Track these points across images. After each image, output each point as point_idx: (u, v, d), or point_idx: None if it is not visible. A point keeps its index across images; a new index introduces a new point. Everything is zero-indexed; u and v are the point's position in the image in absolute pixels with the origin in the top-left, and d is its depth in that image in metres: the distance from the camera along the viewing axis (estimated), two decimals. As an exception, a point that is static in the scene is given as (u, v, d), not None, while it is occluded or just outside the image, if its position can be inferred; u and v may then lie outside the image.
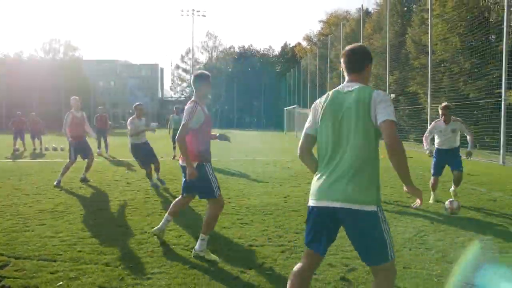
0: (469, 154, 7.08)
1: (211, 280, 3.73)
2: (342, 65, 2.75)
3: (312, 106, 2.78)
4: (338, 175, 2.50)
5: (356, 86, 2.62)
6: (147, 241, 4.85)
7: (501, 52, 19.75)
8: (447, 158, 7.11)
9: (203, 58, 75.36)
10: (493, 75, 20.58)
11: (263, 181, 9.50)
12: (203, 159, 4.44)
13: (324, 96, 2.74)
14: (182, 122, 4.39)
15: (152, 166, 8.69)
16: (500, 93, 18.01)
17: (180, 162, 4.52)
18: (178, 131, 4.41)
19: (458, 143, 7.10)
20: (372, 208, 2.44)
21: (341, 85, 2.73)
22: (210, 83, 4.61)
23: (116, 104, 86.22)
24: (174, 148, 13.83)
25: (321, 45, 57.11)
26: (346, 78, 2.73)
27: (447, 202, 6.37)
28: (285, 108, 45.03)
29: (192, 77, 4.66)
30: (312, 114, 2.74)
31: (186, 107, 4.48)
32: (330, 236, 2.62)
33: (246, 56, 74.13)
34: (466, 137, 7.15)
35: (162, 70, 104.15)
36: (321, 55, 49.45)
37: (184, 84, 76.32)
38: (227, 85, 69.99)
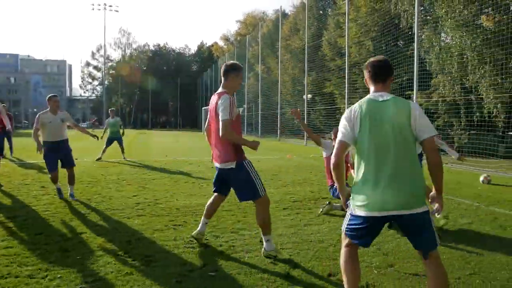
0: None
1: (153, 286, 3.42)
2: (368, 74, 2.85)
3: (346, 114, 2.78)
4: (393, 182, 2.61)
5: (389, 96, 2.74)
6: (73, 248, 4.30)
7: (411, 57, 21.03)
8: None
9: (115, 55, 71.77)
10: (402, 77, 21.78)
11: (189, 181, 8.88)
12: (242, 156, 4.02)
13: (358, 104, 2.77)
14: (224, 118, 3.79)
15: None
16: (410, 94, 19.11)
17: (217, 164, 4.12)
18: (222, 129, 3.80)
19: None
20: (426, 208, 2.64)
21: (373, 94, 2.80)
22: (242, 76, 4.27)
23: (18, 102, 79.05)
24: (104, 151, 13.31)
25: (238, 45, 57.24)
26: (373, 88, 2.82)
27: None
28: (203, 108, 44.26)
29: (223, 67, 4.16)
30: (347, 122, 2.76)
31: (219, 100, 3.88)
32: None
33: (161, 55, 71.88)
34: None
35: (70, 67, 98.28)
36: (239, 55, 49.51)
37: (95, 82, 72.00)
38: (141, 84, 67.17)
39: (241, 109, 36.96)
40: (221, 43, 66.80)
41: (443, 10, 15.46)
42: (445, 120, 18.43)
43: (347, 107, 21.25)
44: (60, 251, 4.17)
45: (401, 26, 21.53)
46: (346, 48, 21.17)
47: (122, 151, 13.50)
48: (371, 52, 24.18)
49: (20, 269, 3.69)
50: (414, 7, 18.98)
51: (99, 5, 58.87)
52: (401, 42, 23.85)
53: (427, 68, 18.83)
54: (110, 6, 59.01)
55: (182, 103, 68.74)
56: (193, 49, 77.23)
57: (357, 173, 2.74)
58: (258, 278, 3.56)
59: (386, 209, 2.57)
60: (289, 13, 47.07)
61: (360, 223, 2.69)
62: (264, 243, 4.08)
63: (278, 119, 31.56)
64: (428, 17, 18.32)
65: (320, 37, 31.95)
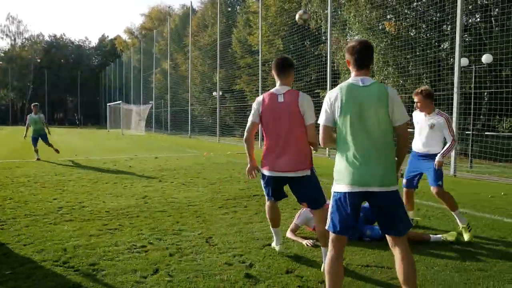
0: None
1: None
2: (351, 58, 2.83)
3: (326, 99, 2.84)
4: (373, 161, 2.72)
5: (371, 81, 2.79)
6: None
7: (319, 57, 22.03)
8: None
9: (3, 44, 64.77)
10: (311, 76, 22.73)
11: (109, 182, 8.30)
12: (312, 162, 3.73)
13: (336, 89, 2.82)
14: (313, 121, 3.51)
15: None
16: (320, 93, 20.04)
17: (281, 173, 3.63)
18: (314, 134, 3.53)
19: None
20: (396, 187, 2.78)
21: (353, 78, 2.82)
22: None
23: None
24: (37, 150, 12.35)
25: (144, 39, 55.27)
26: (355, 72, 2.84)
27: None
28: (108, 104, 41.98)
29: (283, 62, 3.71)
30: (328, 106, 2.82)
31: (302, 100, 3.53)
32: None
33: (58, 47, 66.50)
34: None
35: None
36: (145, 50, 47.87)
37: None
38: (36, 78, 61.53)
39: (148, 106, 35.91)
40: (124, 36, 63.97)
41: (352, 14, 16.35)
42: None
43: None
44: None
45: (310, 27, 22.32)
46: (260, 46, 21.43)
47: (53, 148, 12.61)
48: (280, 51, 24.82)
49: None
50: (322, 10, 19.95)
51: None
52: (307, 42, 24.72)
53: (335, 69, 19.84)
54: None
55: (82, 99, 64.51)
56: (94, 41, 72.89)
57: (338, 155, 2.85)
58: (218, 280, 3.39)
59: (369, 184, 2.68)
60: (197, 8, 46.58)
61: (339, 199, 2.76)
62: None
63: (189, 116, 31.08)
64: (336, 20, 19.23)
65: (229, 34, 32.06)
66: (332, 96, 2.80)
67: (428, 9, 15.65)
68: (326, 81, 20.02)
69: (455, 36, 10.17)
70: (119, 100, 49.76)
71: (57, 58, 65.13)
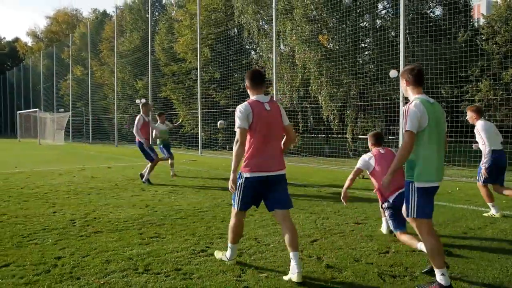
0: None
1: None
2: (413, 78, 3.57)
3: (415, 111, 3.43)
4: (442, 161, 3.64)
5: (430, 98, 3.58)
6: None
7: (248, 65, 22.85)
8: None
9: None
10: (239, 84, 23.45)
11: (92, 193, 8.10)
12: None
13: (420, 104, 3.45)
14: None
15: None
16: (245, 100, 20.81)
17: (268, 173, 3.90)
18: (294, 134, 4.21)
19: None
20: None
21: (421, 96, 3.54)
22: None
23: None
24: None
25: (49, 43, 51.79)
26: (415, 90, 3.60)
27: None
28: (19, 112, 38.70)
29: (261, 75, 4.07)
30: (417, 117, 3.40)
31: (280, 107, 4.02)
32: None
33: None
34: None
35: None
36: (52, 55, 44.90)
37: None
38: None
39: (67, 114, 33.89)
40: (27, 39, 59.31)
41: (289, 27, 17.35)
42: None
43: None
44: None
45: (244, 36, 22.97)
46: (198, 53, 21.62)
47: None
48: (208, 59, 25.13)
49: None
50: (255, 21, 20.78)
51: None
52: (231, 50, 25.31)
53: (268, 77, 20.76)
54: None
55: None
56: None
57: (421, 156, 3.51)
58: (311, 271, 3.82)
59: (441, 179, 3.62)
60: (112, 13, 44.97)
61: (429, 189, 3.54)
62: (298, 265, 3.69)
63: (115, 124, 30.01)
64: (268, 31, 20.15)
65: (147, 41, 31.58)
66: (420, 110, 3.41)
67: (355, 24, 17.26)
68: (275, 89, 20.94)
69: (399, 48, 11.52)
70: (24, 107, 46.03)
71: None
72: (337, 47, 17.01)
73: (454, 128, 13.20)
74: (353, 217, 6.10)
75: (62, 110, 37.80)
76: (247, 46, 26.24)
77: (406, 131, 3.39)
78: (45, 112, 33.18)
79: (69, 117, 32.68)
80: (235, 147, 3.80)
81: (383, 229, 5.23)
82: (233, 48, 25.08)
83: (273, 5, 15.96)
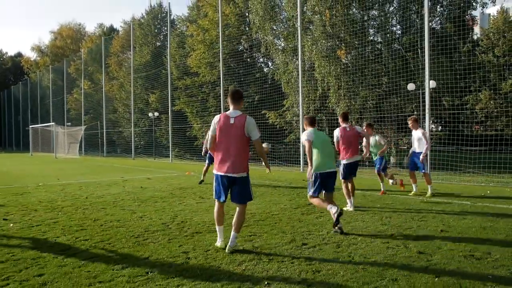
0: None
1: None
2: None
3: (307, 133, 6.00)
4: None
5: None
6: None
7: (259, 79, 23.64)
8: None
9: None
10: (253, 97, 24.23)
11: (148, 200, 8.67)
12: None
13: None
14: (259, 136, 4.95)
15: None
16: (264, 113, 21.61)
17: (228, 173, 4.92)
18: (259, 145, 4.99)
19: None
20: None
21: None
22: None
23: None
24: None
25: (54, 57, 52.49)
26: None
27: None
28: (31, 127, 39.16)
29: (237, 93, 5.03)
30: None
31: (248, 121, 4.85)
32: None
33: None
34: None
35: None
36: (59, 70, 45.54)
37: None
38: None
39: (81, 128, 34.44)
40: (32, 54, 60.03)
41: (308, 43, 18.19)
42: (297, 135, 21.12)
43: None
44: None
45: (260, 51, 23.76)
46: (221, 66, 22.32)
47: None
48: (223, 73, 25.84)
49: None
50: (272, 37, 21.61)
51: None
52: (245, 65, 26.11)
53: (280, 90, 21.51)
54: None
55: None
56: (-10, 58, 66.68)
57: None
58: (401, 256, 4.53)
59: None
60: (119, 28, 45.85)
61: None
62: (231, 239, 4.85)
63: (132, 137, 30.55)
64: (287, 46, 21.01)
65: (159, 55, 32.32)
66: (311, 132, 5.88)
67: (371, 40, 18.16)
68: (269, 102, 21.72)
69: (424, 62, 12.34)
70: (30, 122, 46.53)
71: None
72: (354, 61, 17.84)
73: (455, 137, 14.10)
74: (405, 218, 6.81)
75: (69, 124, 38.36)
76: (260, 60, 27.11)
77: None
78: (58, 126, 33.69)
79: (82, 130, 33.26)
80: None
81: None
82: (247, 62, 25.90)
83: (298, 23, 16.77)
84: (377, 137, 9.57)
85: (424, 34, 12.52)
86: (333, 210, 5.54)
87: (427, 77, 12.30)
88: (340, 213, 5.51)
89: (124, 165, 21.27)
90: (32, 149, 37.89)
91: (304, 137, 6.14)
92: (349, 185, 7.63)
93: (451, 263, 4.39)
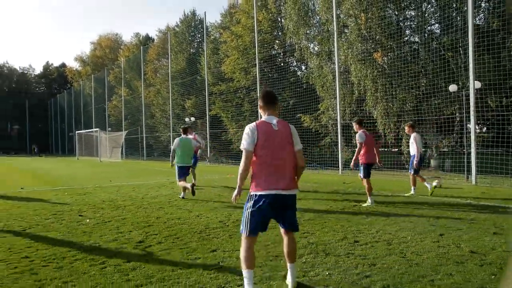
0: None
1: None
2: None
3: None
4: None
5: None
6: None
7: (295, 83, 24.02)
8: None
9: None
10: (288, 101, 24.62)
11: (210, 200, 9.27)
12: None
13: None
14: (301, 147, 4.00)
15: None
16: (299, 117, 21.95)
17: (281, 191, 3.78)
18: (302, 157, 3.96)
19: None
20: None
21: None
22: None
23: None
24: None
25: (94, 67, 54.64)
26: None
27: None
28: (77, 132, 41.08)
29: (272, 95, 4.05)
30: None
31: (292, 129, 3.94)
32: None
33: (2, 74, 63.23)
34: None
35: None
36: (100, 78, 47.43)
37: None
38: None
39: (123, 133, 35.80)
40: (74, 64, 62.77)
41: (344, 46, 18.48)
42: (332, 138, 21.28)
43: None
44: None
45: (295, 55, 24.14)
46: (257, 74, 22.81)
47: None
48: (255, 78, 26.16)
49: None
50: (308, 42, 21.99)
51: None
52: (278, 69, 26.51)
53: (314, 93, 21.82)
54: None
55: (31, 128, 61.86)
56: (38, 69, 70.13)
57: None
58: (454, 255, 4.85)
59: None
60: (154, 37, 47.31)
61: None
62: (293, 273, 3.92)
63: (171, 141, 31.51)
64: (321, 50, 21.36)
65: (194, 62, 33.15)
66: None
67: (408, 40, 18.27)
68: (304, 106, 22.04)
69: (468, 62, 12.37)
70: (75, 128, 48.68)
71: (1, 86, 62.32)
72: (391, 63, 17.99)
73: (503, 139, 13.86)
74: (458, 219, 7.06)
75: (109, 129, 39.91)
76: (293, 64, 27.54)
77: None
78: (102, 131, 35.21)
79: (123, 135, 34.57)
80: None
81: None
82: (280, 67, 26.35)
83: (334, 27, 17.10)
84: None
85: (467, 32, 12.54)
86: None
87: (471, 77, 12.33)
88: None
89: (165, 168, 22.04)
90: (78, 153, 39.70)
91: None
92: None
93: (507, 263, 4.59)
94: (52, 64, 68.83)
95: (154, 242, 5.64)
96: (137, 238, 5.92)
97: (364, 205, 8.39)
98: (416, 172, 9.85)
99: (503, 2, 14.82)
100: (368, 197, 8.51)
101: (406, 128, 10.45)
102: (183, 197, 9.83)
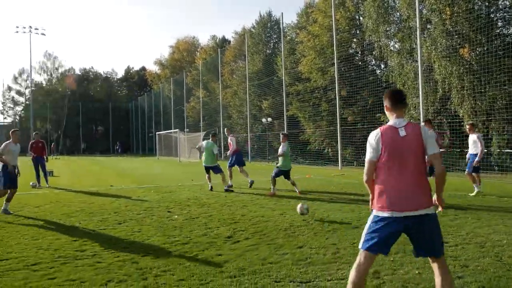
0: None
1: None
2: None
3: None
4: None
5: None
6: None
7: (373, 82, 23.41)
8: None
9: (40, 79, 66.52)
10: (368, 101, 24.06)
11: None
12: None
13: None
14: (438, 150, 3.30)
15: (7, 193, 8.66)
16: (379, 116, 21.34)
17: (405, 213, 3.14)
18: (440, 163, 3.27)
19: None
20: None
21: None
22: None
23: None
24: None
25: (173, 69, 57.24)
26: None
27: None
28: (158, 133, 43.49)
29: (402, 94, 3.42)
30: None
31: (425, 132, 3.26)
32: None
33: (88, 79, 68.84)
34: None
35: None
36: (178, 81, 49.61)
37: (18, 108, 66.36)
38: (69, 110, 63.60)
39: (201, 134, 37.23)
40: (153, 67, 66.40)
41: (427, 43, 17.75)
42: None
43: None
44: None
45: (373, 54, 23.62)
46: (336, 73, 22.64)
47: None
48: (334, 77, 25.85)
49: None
50: (388, 40, 21.38)
51: (24, 27, 55.27)
52: (357, 68, 25.96)
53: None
54: (37, 28, 55.58)
55: (115, 128, 66.60)
56: (120, 73, 75.11)
57: None
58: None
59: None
60: (230, 38, 48.60)
61: None
62: None
63: (249, 142, 32.31)
64: (401, 48, 20.66)
65: (270, 63, 33.46)
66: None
67: (498, 34, 17.09)
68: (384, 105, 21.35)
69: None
70: (154, 129, 51.47)
71: (87, 90, 67.50)
72: (480, 59, 16.95)
73: None
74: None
75: (187, 130, 41.57)
76: (372, 63, 26.92)
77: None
78: (181, 132, 36.85)
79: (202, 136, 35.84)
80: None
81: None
82: (358, 66, 25.83)
83: (417, 23, 16.52)
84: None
85: None
86: None
87: None
88: None
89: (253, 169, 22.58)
90: (158, 153, 41.87)
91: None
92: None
93: None
94: (133, 68, 73.10)
95: (242, 238, 5.89)
96: (225, 233, 6.22)
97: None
98: (476, 170, 10.03)
99: None
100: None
101: (467, 127, 10.65)
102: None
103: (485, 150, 17.95)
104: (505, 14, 17.40)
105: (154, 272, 4.48)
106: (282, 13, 36.51)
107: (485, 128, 17.13)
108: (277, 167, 10.62)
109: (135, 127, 63.79)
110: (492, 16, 17.25)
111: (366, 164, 3.30)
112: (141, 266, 4.72)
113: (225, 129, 15.96)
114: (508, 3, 17.05)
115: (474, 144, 10.09)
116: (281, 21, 30.43)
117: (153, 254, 5.18)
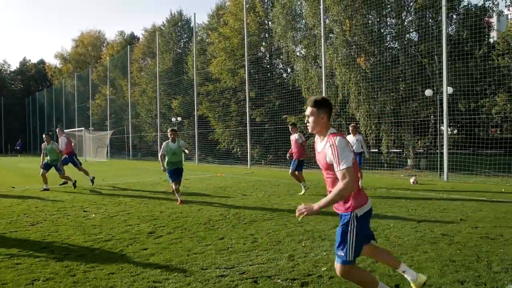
0: None
1: None
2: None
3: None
4: None
5: None
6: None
7: (280, 84, 24.71)
8: None
9: None
10: (274, 103, 25.29)
11: (259, 193, 9.86)
12: None
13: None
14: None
15: None
16: (285, 118, 22.66)
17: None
18: None
19: None
20: None
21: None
22: None
23: None
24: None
25: (76, 64, 54.29)
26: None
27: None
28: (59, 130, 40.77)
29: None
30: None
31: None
32: None
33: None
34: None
35: None
36: (83, 76, 47.29)
37: None
38: None
39: (109, 133, 35.91)
40: (54, 61, 62.12)
41: (330, 51, 19.26)
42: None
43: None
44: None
45: (281, 58, 24.82)
46: (246, 75, 23.26)
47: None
48: (243, 79, 26.60)
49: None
50: (295, 45, 22.70)
51: None
52: (265, 71, 27.21)
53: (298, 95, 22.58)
54: None
55: (6, 126, 60.79)
56: (14, 65, 68.90)
57: None
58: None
59: None
60: (139, 35, 47.43)
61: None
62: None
63: (158, 140, 31.88)
64: (307, 54, 22.09)
65: (180, 62, 33.54)
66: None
67: (388, 47, 19.18)
68: (290, 107, 22.79)
69: (442, 68, 13.34)
70: (55, 127, 48.24)
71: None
72: (373, 68, 18.85)
73: (471, 140, 15.04)
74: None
75: (92, 128, 39.85)
76: (279, 67, 28.25)
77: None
78: (86, 130, 35.25)
79: (109, 135, 34.68)
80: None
81: None
82: (266, 69, 27.01)
83: (322, 32, 17.85)
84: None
85: (442, 41, 13.52)
86: None
87: (444, 83, 13.29)
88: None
89: (154, 167, 22.49)
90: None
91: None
92: None
93: (470, 242, 5.41)
94: (29, 60, 67.68)
95: (164, 233, 6.22)
96: (146, 229, 6.49)
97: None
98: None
99: (475, 16, 15.96)
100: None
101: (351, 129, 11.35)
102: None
103: (376, 150, 20.26)
104: (392, 30, 19.55)
105: (82, 268, 4.58)
106: (194, 13, 36.40)
107: (376, 130, 19.08)
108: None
109: (33, 125, 59.23)
110: (383, 31, 19.30)
111: (351, 169, 3.00)
112: (66, 264, 4.76)
113: (57, 129, 14.53)
114: (394, 21, 19.18)
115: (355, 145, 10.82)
116: (193, 21, 30.69)
117: (76, 252, 5.23)
